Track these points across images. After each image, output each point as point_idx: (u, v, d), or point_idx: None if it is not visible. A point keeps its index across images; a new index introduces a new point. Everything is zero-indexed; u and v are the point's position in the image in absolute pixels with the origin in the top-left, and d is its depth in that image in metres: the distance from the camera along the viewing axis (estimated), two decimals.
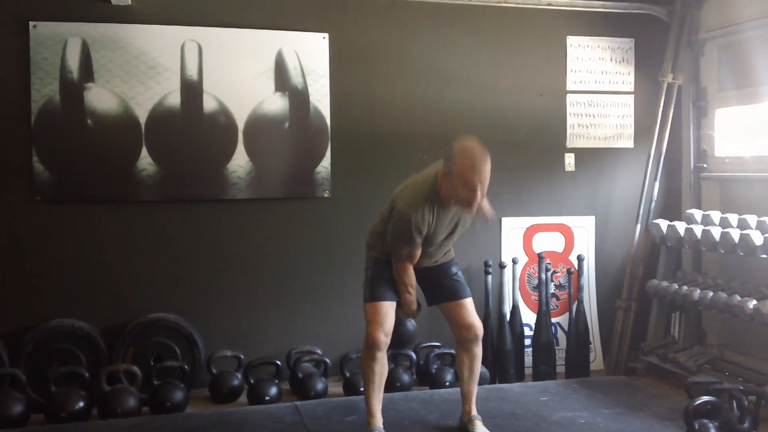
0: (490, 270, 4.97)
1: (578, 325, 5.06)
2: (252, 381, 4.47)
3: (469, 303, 3.71)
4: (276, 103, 4.76)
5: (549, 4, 5.07)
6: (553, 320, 5.19)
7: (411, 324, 4.45)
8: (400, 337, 3.98)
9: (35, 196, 4.43)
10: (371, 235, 3.72)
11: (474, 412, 3.77)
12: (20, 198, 4.42)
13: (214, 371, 4.51)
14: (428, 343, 4.85)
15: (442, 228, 3.52)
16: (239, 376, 4.51)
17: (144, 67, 4.53)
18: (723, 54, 5.10)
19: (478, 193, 3.31)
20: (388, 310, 3.58)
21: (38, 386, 4.22)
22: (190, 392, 4.42)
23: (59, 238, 4.51)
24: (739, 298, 4.28)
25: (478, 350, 3.74)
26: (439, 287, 3.72)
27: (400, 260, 3.55)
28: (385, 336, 3.54)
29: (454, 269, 3.76)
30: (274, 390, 4.42)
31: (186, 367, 4.39)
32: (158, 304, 4.61)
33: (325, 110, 4.83)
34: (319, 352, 4.73)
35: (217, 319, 4.74)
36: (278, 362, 4.56)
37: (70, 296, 4.51)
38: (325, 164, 4.85)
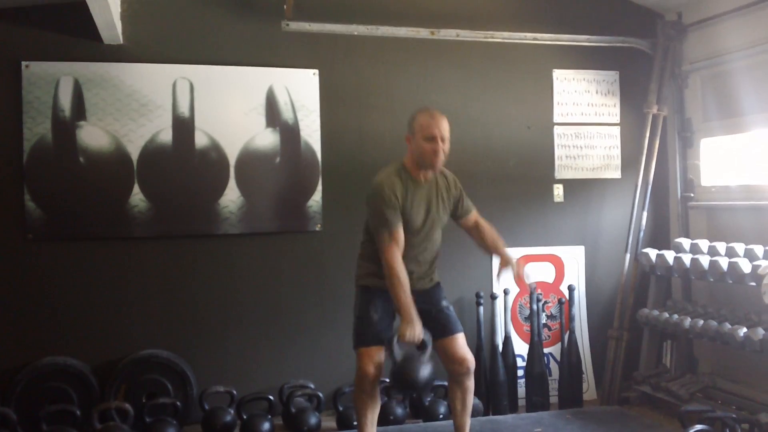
0: (482, 301, 4.98)
1: (570, 355, 5.07)
2: (245, 416, 4.45)
3: (460, 337, 3.71)
4: (267, 139, 4.80)
5: (535, 39, 5.15)
6: (546, 351, 5.19)
7: (426, 371, 3.46)
8: (413, 381, 3.43)
9: (27, 234, 4.43)
10: (358, 265, 3.74)
11: None
12: (12, 236, 4.43)
13: (207, 407, 4.47)
14: None
15: (417, 207, 3.57)
16: (232, 411, 4.48)
17: (136, 105, 4.57)
18: (707, 85, 5.18)
19: (440, 145, 3.50)
20: (377, 349, 3.56)
21: (29, 425, 4.18)
22: (183, 429, 4.39)
23: (51, 275, 4.51)
24: (730, 326, 4.31)
25: (471, 383, 3.74)
26: (431, 322, 3.67)
27: (384, 244, 3.47)
28: (375, 369, 3.54)
29: (444, 302, 3.75)
30: (267, 425, 4.40)
31: (178, 403, 4.37)
32: (150, 341, 4.60)
33: (316, 145, 4.88)
34: (312, 386, 4.72)
35: (209, 354, 4.73)
36: (271, 397, 4.55)
37: (61, 334, 4.50)
38: (316, 198, 4.88)
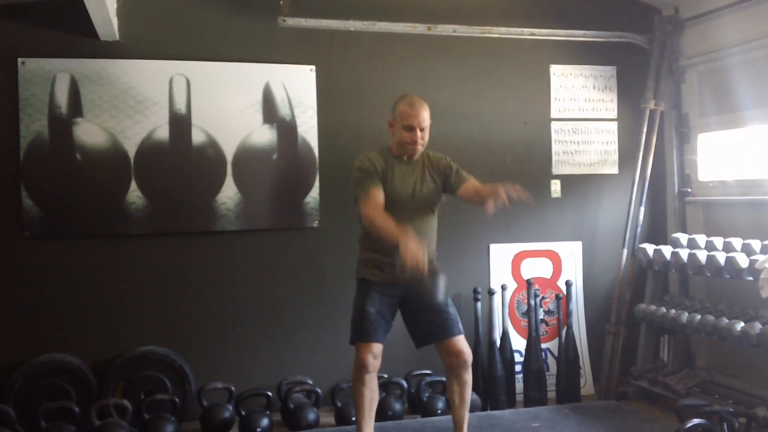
0: (480, 297, 4.99)
1: (568, 350, 5.08)
2: (243, 413, 4.45)
3: (460, 336, 3.70)
4: (264, 135, 4.80)
5: (532, 34, 5.15)
6: (543, 346, 5.20)
7: (441, 289, 3.46)
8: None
9: (24, 232, 4.43)
10: (358, 255, 3.75)
11: None
12: (9, 233, 4.42)
13: (205, 404, 4.48)
14: (419, 371, 4.85)
15: (401, 178, 3.62)
16: (230, 408, 4.48)
17: (132, 102, 4.57)
18: (704, 80, 5.19)
19: (418, 134, 3.58)
20: (375, 345, 3.58)
21: (28, 422, 4.18)
22: (181, 425, 4.40)
23: (48, 273, 4.50)
24: (727, 321, 4.31)
25: (468, 377, 3.74)
26: (429, 323, 3.68)
27: (362, 202, 3.54)
28: (374, 359, 3.55)
29: (446, 301, 3.71)
30: (265, 421, 4.40)
31: (176, 400, 4.37)
32: (148, 338, 4.60)
33: (313, 141, 4.87)
34: (310, 382, 4.72)
35: (207, 351, 4.73)
36: (269, 393, 4.54)
37: (59, 331, 4.50)
38: (313, 194, 4.88)
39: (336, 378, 4.74)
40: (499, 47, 5.21)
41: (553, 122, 5.36)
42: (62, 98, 4.46)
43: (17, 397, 4.25)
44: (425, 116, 3.62)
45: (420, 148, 3.65)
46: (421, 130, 3.61)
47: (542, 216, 5.32)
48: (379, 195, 3.55)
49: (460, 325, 3.73)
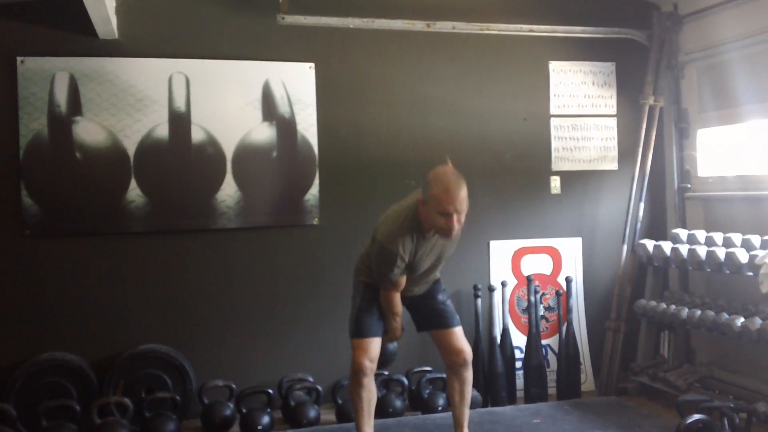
0: (480, 293, 4.99)
1: (568, 346, 5.08)
2: (244, 410, 4.45)
3: (458, 330, 3.73)
4: (264, 133, 4.80)
5: (531, 31, 5.14)
6: (544, 342, 5.20)
7: (392, 345, 4.12)
8: (383, 359, 3.92)
9: (24, 230, 4.43)
10: (360, 259, 3.76)
11: None
12: (9, 232, 4.43)
13: (206, 401, 4.48)
14: (420, 368, 4.85)
15: (425, 256, 3.53)
16: (231, 405, 4.48)
17: (132, 100, 4.57)
18: (703, 76, 5.19)
19: (455, 221, 3.29)
20: (373, 342, 3.62)
21: (29, 421, 4.19)
22: (182, 423, 4.41)
23: (48, 271, 4.51)
24: (727, 316, 4.32)
25: (468, 374, 3.75)
26: (428, 314, 3.76)
27: (386, 289, 3.58)
28: (370, 362, 3.57)
29: (440, 296, 3.78)
30: (266, 419, 4.40)
31: (177, 397, 4.37)
32: (149, 335, 4.60)
33: (313, 139, 4.87)
34: (311, 379, 4.73)
35: (207, 348, 4.73)
36: (270, 391, 4.55)
37: (60, 329, 4.50)
38: (313, 192, 4.88)
39: (337, 375, 4.74)
40: (498, 44, 5.20)
41: (552, 118, 5.36)
42: (62, 97, 4.47)
43: (18, 395, 4.26)
44: (463, 199, 3.30)
45: (457, 233, 3.39)
46: (458, 213, 3.30)
47: (542, 212, 5.32)
48: (403, 283, 3.58)
49: (458, 318, 3.78)
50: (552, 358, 5.24)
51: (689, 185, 5.27)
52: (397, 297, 3.61)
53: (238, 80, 4.74)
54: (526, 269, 5.26)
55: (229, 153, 4.73)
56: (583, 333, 5.32)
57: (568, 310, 5.16)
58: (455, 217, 3.28)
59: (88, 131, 4.52)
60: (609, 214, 5.43)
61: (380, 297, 3.63)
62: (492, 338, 5.01)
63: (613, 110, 5.48)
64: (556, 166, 5.35)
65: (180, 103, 4.65)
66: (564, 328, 5.13)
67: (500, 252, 5.24)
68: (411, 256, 3.44)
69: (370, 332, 3.61)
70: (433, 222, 3.33)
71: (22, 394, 4.27)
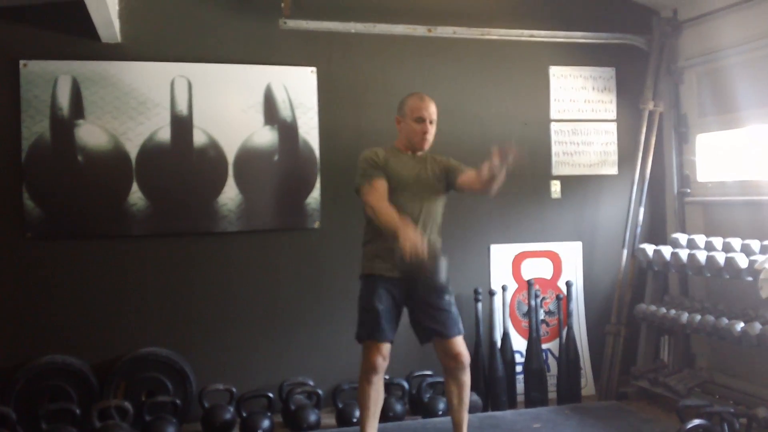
0: (480, 297, 5.00)
1: (569, 351, 5.09)
2: (244, 414, 4.45)
3: (458, 338, 3.71)
4: (265, 137, 4.81)
5: (531, 36, 5.16)
6: (544, 346, 5.21)
7: (442, 271, 3.47)
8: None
9: (26, 233, 4.43)
10: (363, 252, 3.76)
11: None
12: (11, 235, 4.43)
13: (206, 405, 4.48)
14: (420, 372, 4.86)
15: (402, 168, 3.69)
16: (231, 409, 4.48)
17: (134, 103, 4.57)
18: (702, 81, 5.21)
19: (428, 126, 3.72)
20: (385, 345, 3.61)
21: (29, 424, 4.19)
22: (182, 427, 4.40)
23: (50, 274, 4.51)
24: (727, 321, 4.32)
25: (467, 378, 3.75)
26: (431, 320, 3.70)
27: (365, 193, 3.62)
28: (383, 360, 3.56)
29: (447, 297, 3.74)
30: (266, 423, 4.40)
31: (178, 401, 4.37)
32: (149, 339, 4.60)
33: (314, 142, 4.89)
34: (311, 383, 4.73)
35: (208, 352, 4.73)
36: (270, 394, 4.55)
37: (60, 332, 4.50)
38: (314, 195, 4.89)
39: (337, 379, 4.74)
40: (499, 49, 5.22)
41: (552, 123, 5.37)
42: (64, 100, 4.47)
43: (18, 398, 4.25)
44: (434, 110, 3.78)
45: (429, 141, 3.78)
46: (431, 122, 3.76)
47: (542, 216, 5.33)
48: (381, 184, 3.62)
49: (461, 326, 3.75)
50: (552, 363, 5.25)
51: (689, 190, 5.28)
52: (387, 205, 3.53)
53: (240, 84, 4.75)
54: (527, 273, 5.27)
55: (230, 156, 4.74)
56: (583, 337, 5.33)
57: (569, 315, 5.16)
58: (429, 125, 3.73)
59: (91, 134, 4.52)
60: (609, 219, 5.44)
61: (373, 218, 3.58)
62: (492, 342, 5.01)
63: (613, 115, 5.49)
64: (556, 170, 5.36)
65: (182, 107, 4.66)
66: (564, 333, 5.14)
67: (501, 256, 5.25)
68: (385, 161, 3.69)
69: (380, 336, 3.58)
70: (409, 132, 3.75)
71: (23, 397, 4.26)
